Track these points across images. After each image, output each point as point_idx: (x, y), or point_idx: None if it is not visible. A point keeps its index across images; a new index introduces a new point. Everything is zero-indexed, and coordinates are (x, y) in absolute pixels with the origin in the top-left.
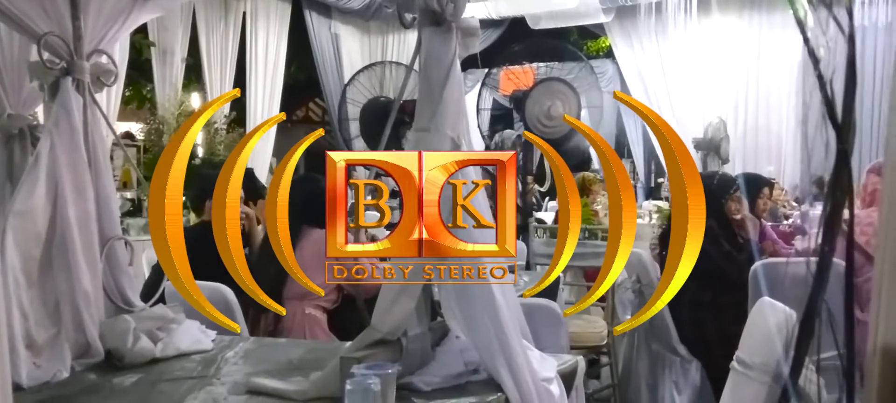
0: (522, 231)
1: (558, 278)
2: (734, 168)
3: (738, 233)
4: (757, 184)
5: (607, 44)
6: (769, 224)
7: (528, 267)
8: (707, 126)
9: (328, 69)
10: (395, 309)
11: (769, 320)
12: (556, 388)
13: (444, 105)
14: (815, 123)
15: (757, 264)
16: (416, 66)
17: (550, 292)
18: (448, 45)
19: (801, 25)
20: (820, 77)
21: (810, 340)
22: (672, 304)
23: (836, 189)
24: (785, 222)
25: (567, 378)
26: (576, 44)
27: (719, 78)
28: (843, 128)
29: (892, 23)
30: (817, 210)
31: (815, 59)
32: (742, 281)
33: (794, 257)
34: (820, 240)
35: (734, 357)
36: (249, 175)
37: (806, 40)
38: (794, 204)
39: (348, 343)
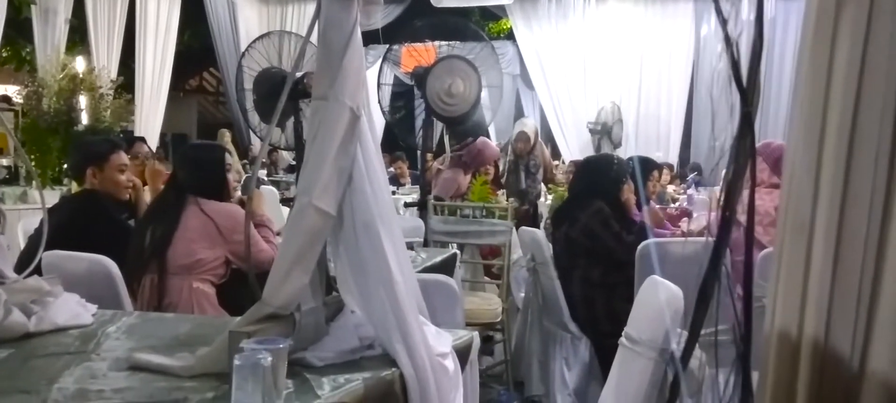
0: (421, 208)
1: (455, 254)
2: (626, 152)
3: (628, 215)
4: (648, 168)
5: (508, 26)
6: (657, 206)
7: (425, 243)
8: (600, 109)
9: (224, 38)
10: (287, 283)
11: (657, 297)
12: (451, 363)
13: (344, 73)
14: (721, 86)
15: (644, 244)
16: (314, 36)
17: (447, 267)
18: (349, 11)
19: None
20: (727, 38)
21: (705, 314)
22: (563, 283)
23: (740, 153)
24: (672, 205)
25: (462, 353)
26: (478, 24)
27: (615, 63)
28: (748, 90)
29: None
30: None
31: (722, 19)
32: (631, 261)
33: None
34: (721, 204)
35: (623, 333)
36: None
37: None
38: (682, 187)
39: (238, 318)
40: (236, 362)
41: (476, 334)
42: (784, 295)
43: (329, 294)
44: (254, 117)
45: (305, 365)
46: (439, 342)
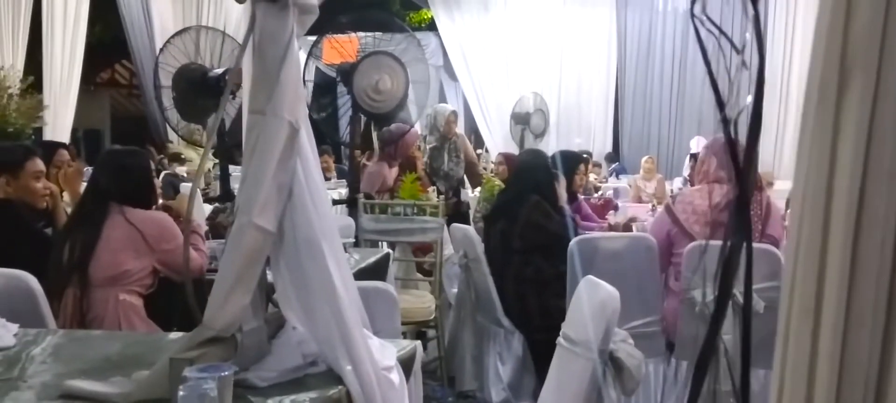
0: (351, 206)
1: (388, 254)
2: (549, 142)
3: (560, 209)
4: (574, 161)
5: (429, 16)
6: (583, 198)
7: (356, 243)
8: (519, 99)
9: (137, 30)
10: (228, 304)
11: (592, 298)
12: (397, 376)
13: (282, 87)
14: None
15: (575, 240)
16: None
17: (380, 269)
18: (285, 22)
19: None
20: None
21: (721, 322)
22: (497, 279)
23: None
24: (595, 195)
25: (406, 364)
26: (398, 14)
27: (537, 53)
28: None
29: None
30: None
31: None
32: (565, 256)
33: (606, 231)
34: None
35: (560, 333)
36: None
37: None
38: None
39: (172, 334)
40: (181, 393)
41: (419, 344)
42: (791, 379)
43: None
44: (173, 115)
45: (249, 387)
46: (384, 355)
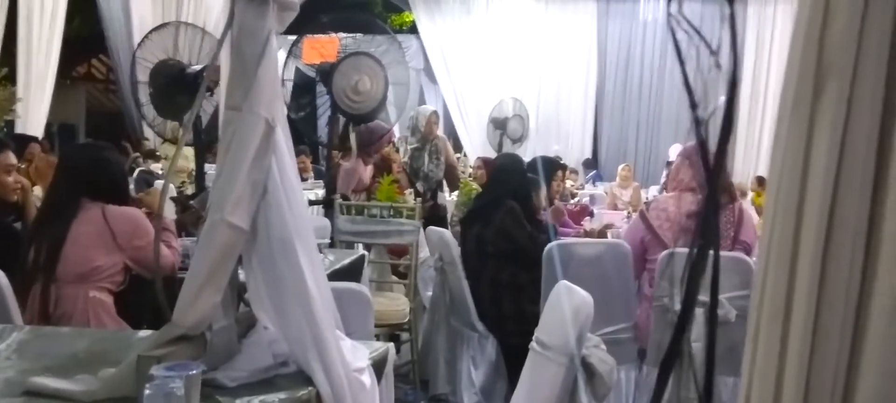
0: (327, 207)
1: (363, 255)
2: (527, 148)
3: (537, 215)
4: (552, 167)
5: (411, 18)
6: (560, 203)
7: (332, 244)
8: (498, 104)
9: (115, 25)
10: (198, 302)
11: (566, 303)
12: (368, 378)
13: (259, 84)
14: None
15: (550, 246)
16: (209, 24)
17: (355, 270)
18: (263, 19)
19: None
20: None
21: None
22: (472, 282)
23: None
24: (571, 202)
25: (378, 365)
26: (380, 16)
27: (517, 58)
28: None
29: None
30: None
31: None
32: (535, 262)
33: (582, 237)
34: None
35: (534, 338)
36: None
37: None
38: (582, 184)
39: (141, 332)
40: (147, 391)
41: (391, 346)
42: (760, 379)
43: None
44: (150, 111)
45: (217, 386)
46: (356, 357)
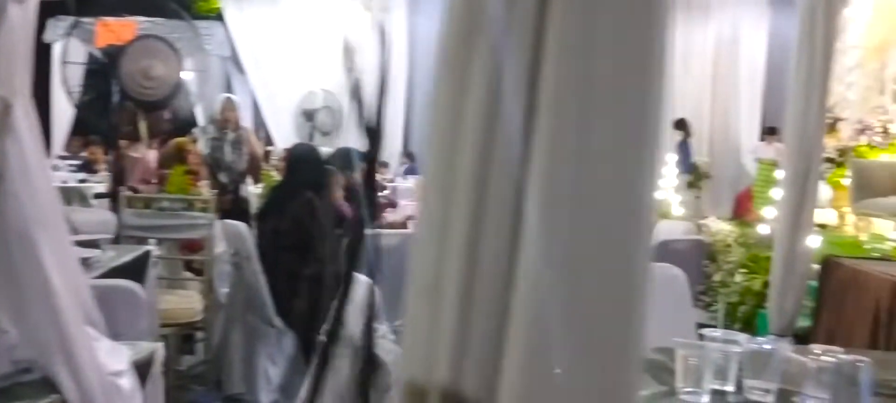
0: (113, 199)
1: (148, 252)
2: (340, 140)
3: (338, 208)
4: (354, 158)
5: (217, 6)
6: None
7: (117, 240)
8: (306, 95)
9: None
10: None
11: (355, 295)
12: (128, 381)
13: None
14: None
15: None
16: None
17: (138, 267)
18: None
19: None
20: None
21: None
22: (269, 277)
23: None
24: (381, 193)
25: (143, 367)
26: (184, 2)
27: (327, 49)
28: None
29: None
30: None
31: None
32: (338, 254)
33: (384, 229)
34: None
35: (322, 331)
36: None
37: None
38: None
39: None
40: None
41: (160, 346)
42: (411, 348)
43: None
44: None
45: None
46: (114, 359)
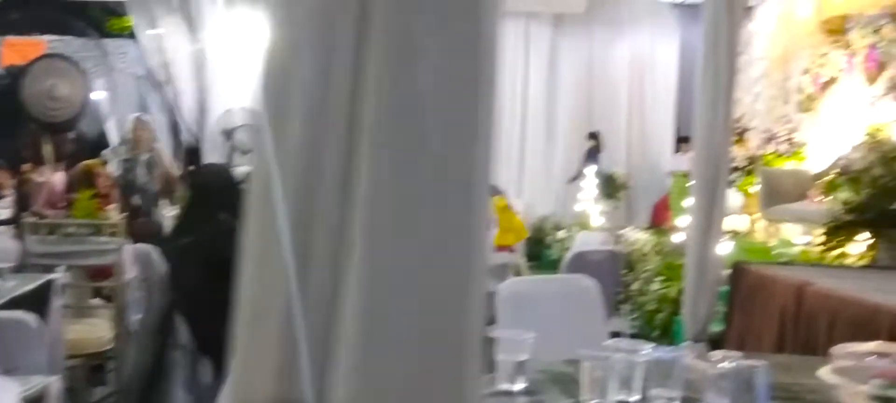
0: (16, 225)
1: (50, 280)
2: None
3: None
4: None
5: (130, 24)
6: None
7: (21, 268)
8: (225, 112)
9: None
10: None
11: None
12: None
13: None
14: None
15: None
16: None
17: (40, 297)
18: None
19: None
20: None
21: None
22: (185, 302)
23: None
24: None
25: (35, 402)
26: (97, 20)
27: (245, 67)
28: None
29: None
30: None
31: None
32: None
33: None
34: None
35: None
36: None
37: None
38: None
39: None
40: None
41: (56, 379)
42: (240, 375)
43: None
44: None
45: None
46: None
